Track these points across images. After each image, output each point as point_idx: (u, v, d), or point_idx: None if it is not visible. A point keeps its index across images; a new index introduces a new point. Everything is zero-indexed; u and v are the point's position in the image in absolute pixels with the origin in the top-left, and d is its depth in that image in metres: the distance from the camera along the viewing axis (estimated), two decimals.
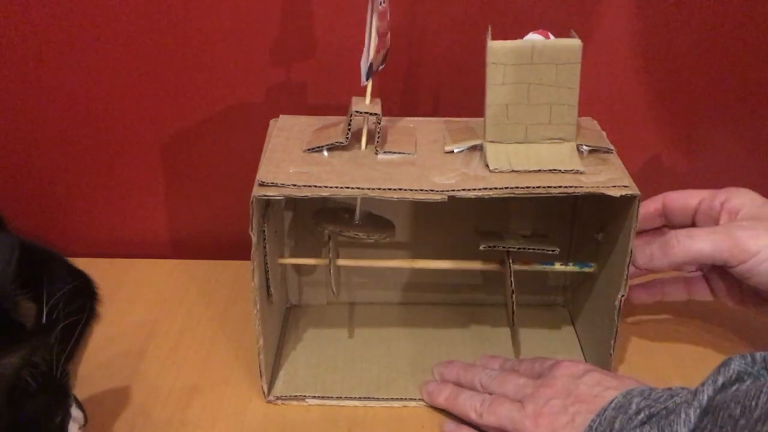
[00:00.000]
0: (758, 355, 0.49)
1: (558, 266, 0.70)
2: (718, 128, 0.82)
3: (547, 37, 0.61)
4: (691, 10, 0.75)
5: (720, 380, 0.48)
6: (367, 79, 0.63)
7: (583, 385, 0.59)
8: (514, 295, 0.68)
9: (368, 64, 0.62)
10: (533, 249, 0.68)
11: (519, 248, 0.68)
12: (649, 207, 0.69)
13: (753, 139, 0.82)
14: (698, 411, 0.47)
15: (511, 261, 0.68)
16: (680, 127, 0.82)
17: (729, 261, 0.61)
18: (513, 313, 0.68)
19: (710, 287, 0.69)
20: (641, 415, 0.52)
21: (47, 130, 0.81)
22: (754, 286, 0.63)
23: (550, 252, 0.68)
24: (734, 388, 0.47)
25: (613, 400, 0.55)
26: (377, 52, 0.62)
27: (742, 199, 0.65)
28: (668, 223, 0.70)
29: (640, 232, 0.69)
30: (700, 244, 0.62)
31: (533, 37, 0.61)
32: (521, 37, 0.61)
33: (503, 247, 0.68)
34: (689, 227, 0.67)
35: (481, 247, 0.68)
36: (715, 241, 0.61)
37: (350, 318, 0.78)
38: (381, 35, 0.62)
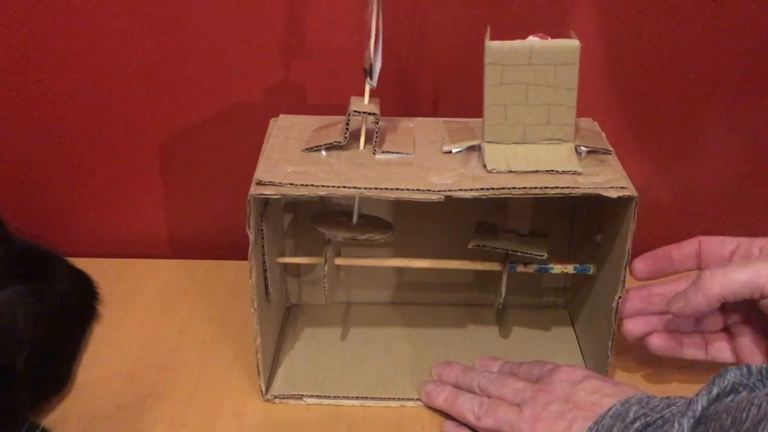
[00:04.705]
0: (754, 366, 0.49)
1: (557, 268, 0.70)
2: (717, 129, 0.82)
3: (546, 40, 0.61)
4: (691, 10, 0.75)
5: (715, 391, 0.48)
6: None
7: (582, 391, 0.59)
8: (502, 297, 0.69)
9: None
10: (522, 253, 0.68)
11: (508, 251, 0.68)
12: (686, 249, 0.67)
13: (752, 139, 0.82)
14: (692, 421, 0.47)
15: (507, 261, 0.69)
16: (680, 129, 0.82)
17: (765, 288, 0.57)
18: (500, 307, 0.70)
19: (733, 345, 0.65)
20: (637, 424, 0.51)
21: (47, 130, 0.81)
22: None
23: (539, 257, 0.68)
24: (729, 398, 0.48)
25: (611, 408, 0.55)
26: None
27: None
28: (703, 267, 0.67)
29: (673, 276, 0.67)
30: (736, 273, 0.59)
31: (532, 40, 0.61)
32: (520, 38, 0.61)
33: (492, 248, 0.69)
34: None
35: (470, 246, 0.68)
36: (754, 269, 0.58)
37: (349, 318, 0.78)
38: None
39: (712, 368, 0.68)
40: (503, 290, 0.69)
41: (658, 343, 0.66)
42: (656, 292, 0.67)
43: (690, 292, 0.61)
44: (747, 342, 0.64)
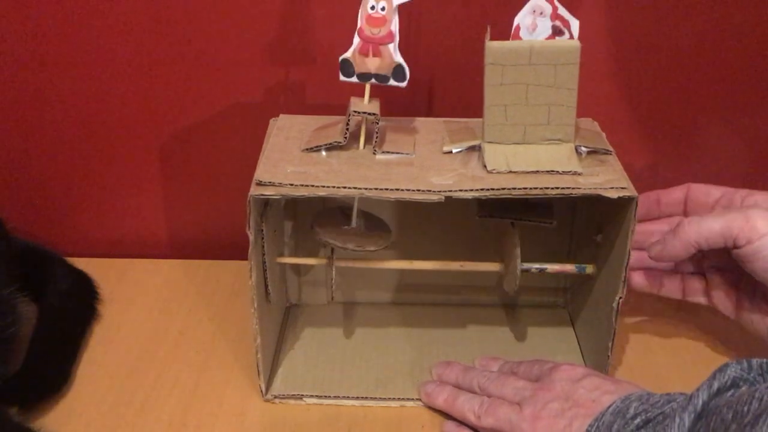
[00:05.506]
0: (754, 361, 0.49)
1: (555, 268, 0.70)
2: (718, 130, 0.82)
3: (553, 5, 0.61)
4: (692, 11, 0.75)
5: (715, 385, 0.48)
6: (344, 77, 0.64)
7: (582, 389, 0.59)
8: (519, 260, 0.67)
9: (343, 60, 0.64)
10: (528, 220, 0.68)
11: (515, 218, 0.68)
12: (675, 194, 0.70)
13: (752, 140, 0.82)
14: (693, 416, 0.47)
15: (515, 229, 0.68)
16: (680, 129, 0.82)
17: (738, 239, 0.60)
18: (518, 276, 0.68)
19: (707, 289, 0.69)
20: (638, 420, 0.52)
21: (47, 130, 0.81)
22: (755, 273, 0.62)
23: (547, 224, 0.68)
24: (729, 393, 0.48)
25: (611, 405, 0.55)
26: (365, 54, 0.63)
27: (764, 196, 0.65)
28: (687, 213, 0.70)
29: (662, 218, 0.70)
30: (711, 222, 0.62)
31: (538, 2, 0.61)
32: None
33: (500, 217, 0.68)
34: None
35: (477, 216, 0.68)
36: (727, 219, 0.61)
37: (349, 318, 0.78)
38: (370, 41, 0.63)
39: (711, 361, 0.68)
40: (518, 252, 0.67)
41: (639, 280, 0.70)
42: (638, 231, 0.67)
43: (668, 237, 0.64)
44: (720, 290, 0.68)
